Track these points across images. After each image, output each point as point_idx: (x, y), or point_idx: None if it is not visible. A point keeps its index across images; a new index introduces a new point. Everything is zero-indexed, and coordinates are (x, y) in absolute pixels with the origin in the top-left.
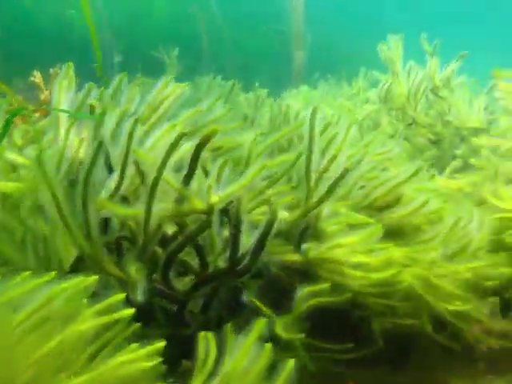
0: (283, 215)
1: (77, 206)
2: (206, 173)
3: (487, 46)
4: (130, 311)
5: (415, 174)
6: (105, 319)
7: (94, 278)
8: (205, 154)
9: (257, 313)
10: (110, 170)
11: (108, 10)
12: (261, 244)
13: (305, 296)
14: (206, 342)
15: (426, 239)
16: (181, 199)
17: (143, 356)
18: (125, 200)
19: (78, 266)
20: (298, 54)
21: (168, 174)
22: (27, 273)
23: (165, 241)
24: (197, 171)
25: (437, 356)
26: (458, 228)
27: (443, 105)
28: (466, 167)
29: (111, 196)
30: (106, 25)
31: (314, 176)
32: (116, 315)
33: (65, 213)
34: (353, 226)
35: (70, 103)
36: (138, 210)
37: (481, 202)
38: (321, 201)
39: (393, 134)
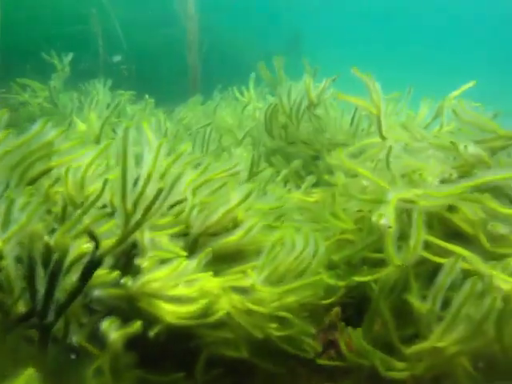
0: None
1: None
2: None
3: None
4: None
5: (247, 196)
6: None
7: None
8: None
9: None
10: None
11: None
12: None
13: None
14: None
15: (249, 266)
16: None
17: None
18: None
19: None
20: (193, 63)
21: None
22: None
23: None
24: None
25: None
26: (286, 251)
27: (319, 122)
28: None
29: None
30: None
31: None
32: None
33: None
34: (170, 258)
35: None
36: None
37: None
38: (137, 226)
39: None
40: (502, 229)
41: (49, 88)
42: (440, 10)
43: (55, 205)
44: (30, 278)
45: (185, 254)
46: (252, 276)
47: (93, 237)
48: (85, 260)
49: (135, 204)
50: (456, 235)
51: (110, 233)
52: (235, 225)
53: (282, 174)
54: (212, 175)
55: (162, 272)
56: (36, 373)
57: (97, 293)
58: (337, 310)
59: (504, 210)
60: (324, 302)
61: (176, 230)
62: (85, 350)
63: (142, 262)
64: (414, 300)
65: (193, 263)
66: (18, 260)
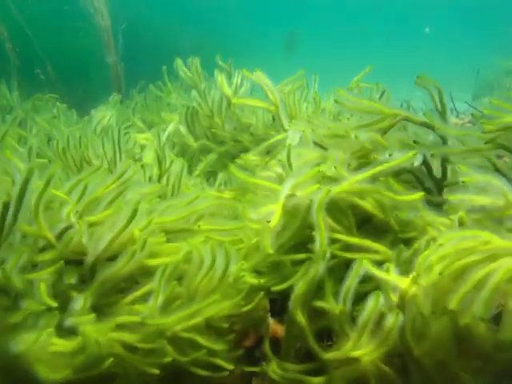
0: None
1: None
2: None
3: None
4: None
5: (132, 216)
6: None
7: None
8: None
9: None
10: None
11: None
12: None
13: None
14: None
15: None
16: None
17: None
18: None
19: None
20: (113, 61)
21: None
22: None
23: None
24: None
25: None
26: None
27: (240, 119)
28: None
29: None
30: None
31: None
32: None
33: None
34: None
35: None
36: None
37: None
38: None
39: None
40: (406, 215)
41: None
42: None
43: None
44: None
45: (55, 304)
46: (141, 310)
47: None
48: None
49: None
50: (370, 220)
51: None
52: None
53: (199, 169)
54: (101, 190)
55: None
56: None
57: None
58: (265, 304)
59: (400, 197)
60: (245, 308)
61: (58, 265)
62: None
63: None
64: (328, 301)
65: (78, 304)
66: None
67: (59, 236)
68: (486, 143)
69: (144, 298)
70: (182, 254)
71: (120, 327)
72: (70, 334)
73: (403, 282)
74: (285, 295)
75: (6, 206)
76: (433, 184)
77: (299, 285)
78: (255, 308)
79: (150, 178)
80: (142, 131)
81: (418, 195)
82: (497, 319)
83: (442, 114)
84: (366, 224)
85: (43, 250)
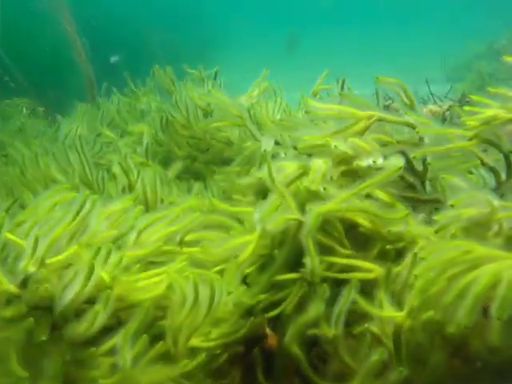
0: None
1: None
2: None
3: None
4: None
5: (91, 270)
6: None
7: None
8: None
9: None
10: None
11: None
12: None
13: None
14: None
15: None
16: None
17: None
18: None
19: None
20: (84, 65)
21: None
22: None
23: None
24: None
25: None
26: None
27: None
28: None
29: None
30: None
31: None
32: None
33: None
34: None
35: None
36: None
37: None
38: None
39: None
40: (397, 229)
41: None
42: None
43: None
44: None
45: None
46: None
47: None
48: None
49: None
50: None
51: None
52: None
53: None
54: (59, 230)
55: None
56: None
57: None
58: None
59: (387, 216)
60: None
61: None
62: None
63: None
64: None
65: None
66: None
67: (23, 284)
68: (469, 139)
69: None
70: (160, 290)
71: None
72: None
73: (398, 316)
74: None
75: None
76: (415, 179)
77: (297, 322)
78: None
79: (124, 189)
80: (113, 141)
81: (404, 213)
82: None
83: (412, 107)
84: (353, 229)
85: (7, 302)
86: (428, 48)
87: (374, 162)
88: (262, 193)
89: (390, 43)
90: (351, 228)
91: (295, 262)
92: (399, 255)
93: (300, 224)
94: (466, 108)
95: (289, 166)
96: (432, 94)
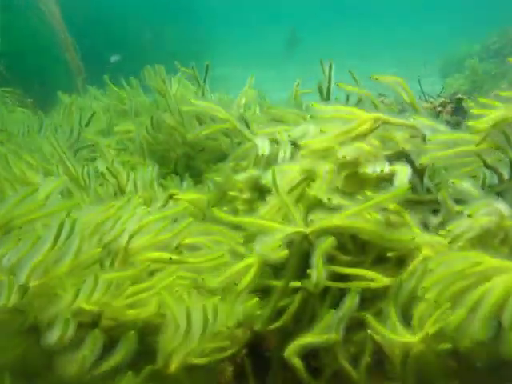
0: None
1: None
2: None
3: None
4: None
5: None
6: None
7: None
8: None
9: None
10: None
11: None
12: None
13: None
14: None
15: None
16: None
17: None
18: None
19: None
20: (69, 55)
21: None
22: None
23: None
24: None
25: None
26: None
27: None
28: None
29: None
30: None
31: None
32: None
33: None
34: None
35: None
36: None
37: None
38: None
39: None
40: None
41: None
42: None
43: None
44: None
45: None
46: None
47: None
48: None
49: None
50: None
51: None
52: None
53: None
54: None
55: None
56: None
57: None
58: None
59: (393, 237)
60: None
61: None
62: None
63: None
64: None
65: None
66: None
67: None
68: (477, 144)
69: None
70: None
71: None
72: None
73: (411, 340)
74: None
75: None
76: (416, 180)
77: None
78: None
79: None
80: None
81: (410, 237)
82: None
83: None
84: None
85: None
86: (424, 44)
87: (381, 170)
88: (258, 190)
89: (387, 38)
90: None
91: (299, 269)
92: (399, 261)
93: (305, 236)
94: (475, 111)
95: (292, 170)
96: (423, 93)
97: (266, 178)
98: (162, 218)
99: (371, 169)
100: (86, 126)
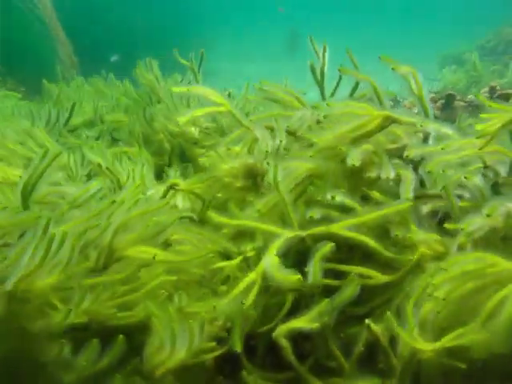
0: None
1: None
2: None
3: None
4: None
5: None
6: None
7: None
8: None
9: None
10: None
11: None
12: None
13: None
14: None
15: None
16: None
17: None
18: None
19: None
20: (60, 47)
21: None
22: None
23: None
24: None
25: None
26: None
27: None
28: None
29: None
30: None
31: None
32: None
33: None
34: None
35: None
36: None
37: None
38: None
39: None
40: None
41: None
42: None
43: None
44: None
45: None
46: None
47: None
48: None
49: None
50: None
51: None
52: None
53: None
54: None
55: None
56: None
57: None
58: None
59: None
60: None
61: None
62: None
63: None
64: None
65: None
66: None
67: None
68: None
69: None
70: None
71: None
72: None
73: (422, 344)
74: None
75: None
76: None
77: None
78: None
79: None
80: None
81: (409, 257)
82: None
83: (420, 99)
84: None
85: None
86: (424, 44)
87: (387, 177)
88: (253, 176)
89: (387, 38)
90: None
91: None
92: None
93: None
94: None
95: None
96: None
97: (269, 177)
98: (151, 211)
99: (375, 174)
100: (70, 114)
